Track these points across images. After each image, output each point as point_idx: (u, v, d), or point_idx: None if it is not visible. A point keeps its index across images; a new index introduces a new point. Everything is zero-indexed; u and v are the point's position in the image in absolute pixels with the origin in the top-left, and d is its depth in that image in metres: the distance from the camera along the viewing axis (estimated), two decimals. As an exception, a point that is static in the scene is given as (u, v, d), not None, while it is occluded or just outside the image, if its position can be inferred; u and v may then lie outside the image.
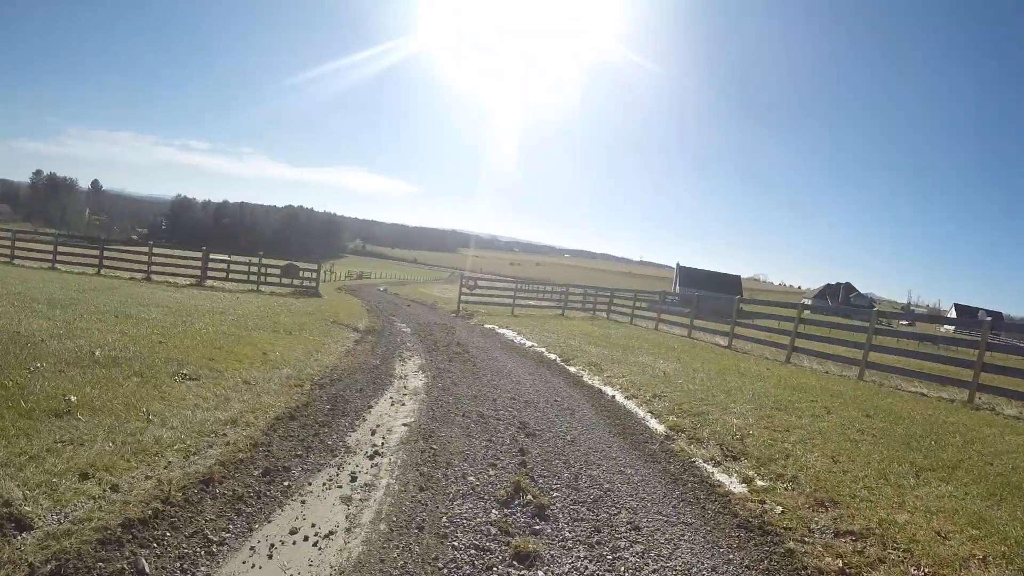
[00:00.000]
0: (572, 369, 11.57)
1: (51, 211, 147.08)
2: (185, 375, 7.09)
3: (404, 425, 6.47)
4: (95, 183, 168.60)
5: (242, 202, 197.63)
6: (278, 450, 5.28)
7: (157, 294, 15.91)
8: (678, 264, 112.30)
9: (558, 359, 12.72)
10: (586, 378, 10.72)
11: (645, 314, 25.24)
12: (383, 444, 5.76)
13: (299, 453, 5.30)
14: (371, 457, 5.36)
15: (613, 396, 9.29)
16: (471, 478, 5.09)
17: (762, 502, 5.16)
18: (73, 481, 4.17)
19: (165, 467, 4.60)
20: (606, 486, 5.31)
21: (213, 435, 5.36)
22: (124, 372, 6.81)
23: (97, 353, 7.42)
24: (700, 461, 6.26)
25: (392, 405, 7.39)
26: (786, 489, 5.45)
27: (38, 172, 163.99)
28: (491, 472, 5.26)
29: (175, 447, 4.95)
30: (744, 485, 5.62)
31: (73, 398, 5.66)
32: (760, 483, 5.63)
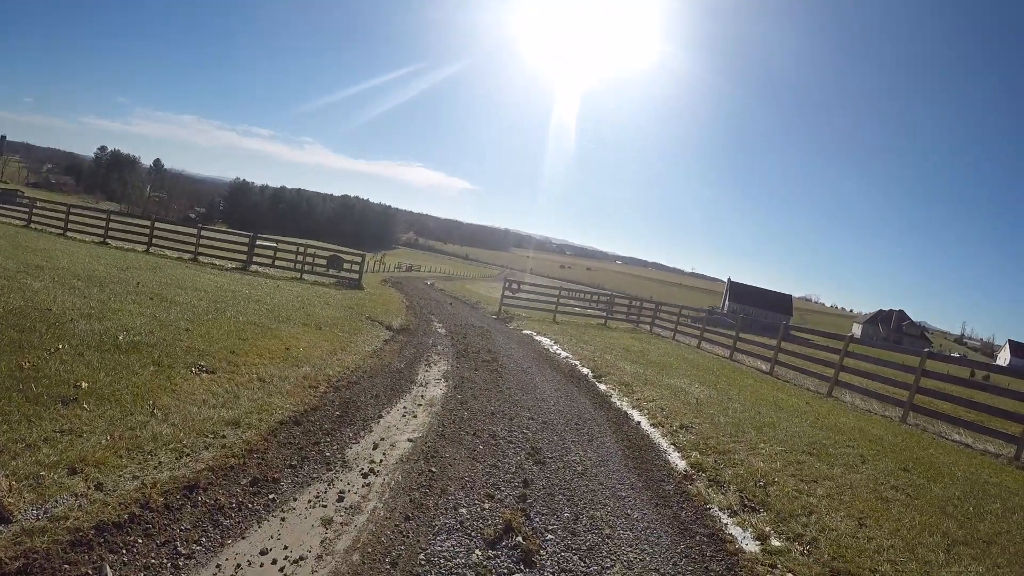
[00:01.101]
0: (602, 387, 11.26)
1: (113, 186, 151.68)
2: (202, 367, 7.05)
3: (409, 440, 6.29)
4: (157, 161, 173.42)
5: (299, 188, 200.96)
6: (273, 458, 5.16)
7: (199, 277, 16.03)
8: (729, 279, 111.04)
9: (590, 374, 12.44)
10: (614, 399, 10.38)
11: (688, 330, 24.69)
12: (381, 461, 5.58)
13: (293, 463, 5.16)
14: (365, 475, 5.18)
15: (639, 423, 8.94)
16: (463, 510, 4.87)
17: (772, 566, 4.82)
18: (61, 475, 4.13)
19: (155, 467, 4.52)
20: (606, 531, 5.03)
21: (211, 435, 5.27)
22: (143, 359, 6.81)
23: (121, 337, 7.44)
24: (716, 509, 5.86)
25: (403, 416, 7.22)
26: (802, 554, 5.07)
27: (103, 148, 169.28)
28: (486, 505, 5.03)
29: (170, 446, 4.87)
30: (758, 543, 5.25)
31: (84, 384, 5.65)
32: (775, 543, 5.25)
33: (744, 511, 5.83)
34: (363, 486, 4.99)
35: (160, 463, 4.60)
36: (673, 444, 7.90)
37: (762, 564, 4.82)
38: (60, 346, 6.65)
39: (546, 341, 17.18)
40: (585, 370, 12.89)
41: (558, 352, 15.22)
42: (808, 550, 5.10)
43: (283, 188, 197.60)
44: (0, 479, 3.87)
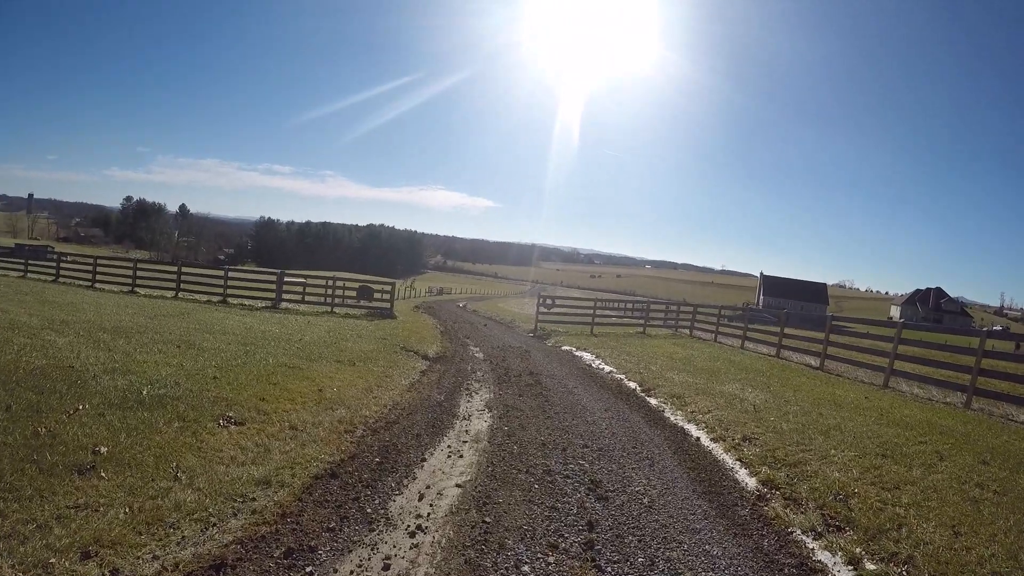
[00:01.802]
0: (653, 402, 10.69)
1: (141, 234, 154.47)
2: (230, 419, 6.62)
3: (458, 486, 5.71)
4: (183, 207, 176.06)
5: (324, 222, 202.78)
6: (308, 521, 4.62)
7: (228, 320, 15.70)
8: (761, 273, 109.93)
9: (638, 388, 11.88)
10: (668, 413, 9.83)
11: (729, 331, 23.91)
12: (429, 515, 5.00)
13: (332, 526, 4.61)
14: (412, 534, 4.60)
15: (698, 439, 8.40)
16: (526, 567, 4.30)
17: None
18: (73, 560, 3.71)
19: (177, 543, 4.05)
20: (688, 575, 4.47)
21: (240, 499, 4.78)
22: (167, 415, 6.41)
23: (145, 392, 7.07)
24: (798, 532, 5.34)
25: (449, 457, 6.64)
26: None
27: (128, 198, 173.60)
28: (551, 559, 4.45)
29: (195, 515, 4.40)
30: (851, 570, 4.70)
31: (104, 449, 5.26)
32: (870, 566, 4.70)
33: (829, 531, 5.31)
34: (411, 547, 4.42)
35: (183, 538, 4.12)
36: (739, 459, 7.37)
37: (861, 595, 4.24)
38: (80, 407, 6.30)
39: (587, 356, 16.63)
40: (632, 384, 12.34)
41: (601, 367, 14.65)
42: (907, 571, 4.60)
43: (308, 223, 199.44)
44: (5, 570, 3.44)
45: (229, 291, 23.11)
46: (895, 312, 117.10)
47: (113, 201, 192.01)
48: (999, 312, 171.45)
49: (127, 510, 4.29)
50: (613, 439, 7.96)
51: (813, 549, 5.04)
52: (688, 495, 6.15)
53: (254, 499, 4.82)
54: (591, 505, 5.60)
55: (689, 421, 9.29)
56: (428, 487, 5.65)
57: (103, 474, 4.80)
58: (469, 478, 5.98)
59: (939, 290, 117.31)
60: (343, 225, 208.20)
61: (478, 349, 16.55)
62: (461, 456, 6.71)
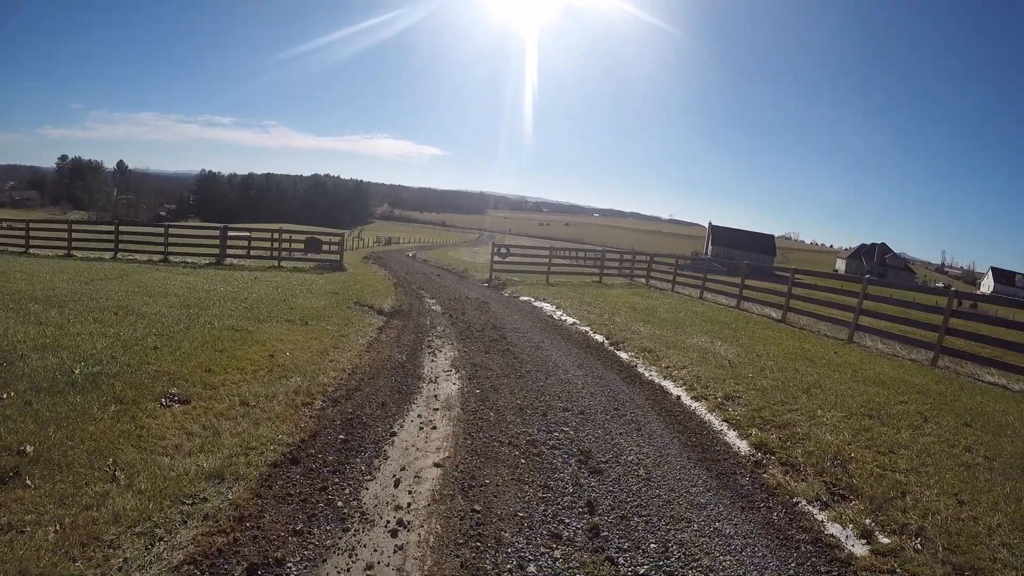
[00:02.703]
0: (623, 356, 10.24)
1: (78, 194, 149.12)
2: (173, 396, 5.92)
3: (436, 466, 5.12)
4: (120, 163, 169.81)
5: (268, 173, 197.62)
6: (271, 524, 3.97)
7: (170, 279, 14.82)
8: (710, 223, 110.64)
9: (605, 342, 11.41)
10: (641, 369, 9.39)
11: (686, 280, 23.62)
12: (410, 505, 4.40)
13: (299, 527, 3.97)
14: (394, 533, 3.98)
15: (678, 397, 7.99)
16: (531, 568, 3.75)
17: (892, 573, 4.03)
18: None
19: (119, 569, 3.40)
20: (706, 562, 4.02)
21: (190, 501, 4.12)
22: (102, 397, 5.68)
23: (77, 371, 6.31)
24: (804, 503, 5.03)
25: (421, 429, 6.04)
26: (915, 550, 4.28)
27: (63, 157, 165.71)
28: (556, 553, 3.92)
29: (137, 528, 3.74)
30: (865, 543, 4.42)
31: (30, 448, 4.55)
32: (883, 539, 4.45)
33: (834, 501, 5.04)
34: (395, 550, 3.80)
35: (125, 560, 3.46)
36: (725, 420, 7.01)
37: (880, 572, 4.07)
38: (4, 395, 5.54)
39: (547, 307, 16.13)
40: (599, 337, 11.88)
41: (564, 319, 14.16)
42: (921, 544, 4.38)
43: (251, 175, 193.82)
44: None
45: (171, 249, 22.20)
46: (840, 265, 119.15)
47: (48, 161, 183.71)
48: (939, 269, 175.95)
49: (57, 528, 3.62)
50: (593, 400, 7.49)
51: (823, 522, 4.75)
52: (684, 463, 5.75)
53: (205, 499, 4.17)
54: (586, 480, 5.12)
55: (665, 378, 8.90)
56: (403, 468, 5.05)
57: (29, 481, 4.10)
58: (447, 455, 5.41)
59: (884, 245, 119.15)
60: (287, 176, 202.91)
61: (434, 301, 15.92)
62: (434, 427, 6.12)
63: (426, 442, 5.72)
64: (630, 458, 5.73)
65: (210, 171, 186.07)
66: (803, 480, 5.38)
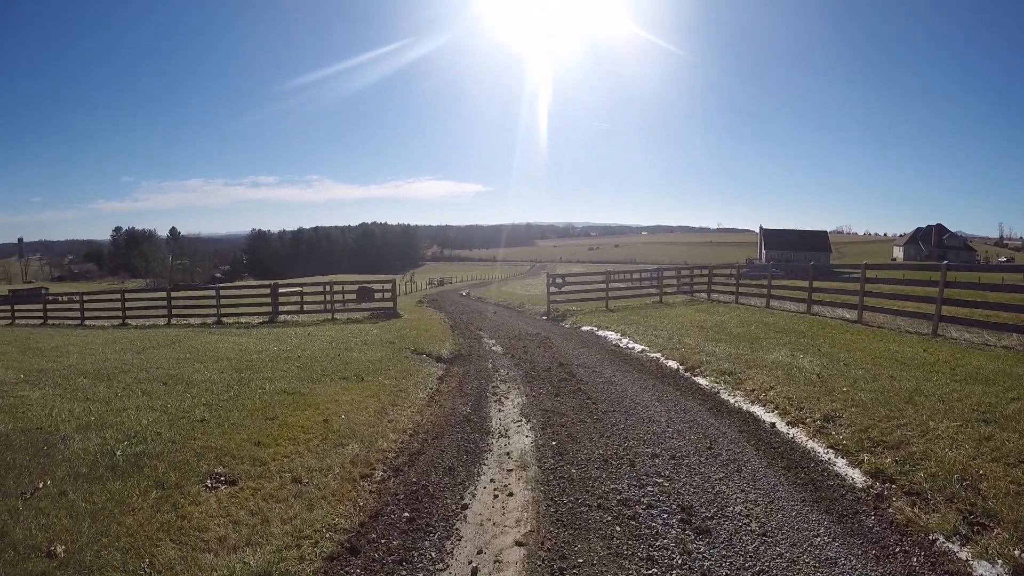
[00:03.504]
0: (703, 383, 9.43)
1: (135, 263, 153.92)
2: (219, 476, 5.36)
3: (518, 544, 4.37)
4: (173, 230, 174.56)
5: (316, 226, 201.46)
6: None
7: (222, 342, 14.50)
8: (761, 227, 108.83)
9: (680, 368, 10.61)
10: (726, 395, 8.60)
11: (748, 290, 22.59)
12: (492, 603, 3.71)
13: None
14: None
15: (773, 425, 7.18)
16: None
17: None
18: None
19: None
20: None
21: (232, 616, 3.49)
22: (143, 482, 5.18)
23: (119, 453, 5.87)
24: (942, 539, 4.33)
25: (495, 497, 5.31)
26: None
27: (117, 228, 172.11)
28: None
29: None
30: None
31: (60, 549, 4.07)
32: None
33: (974, 533, 4.35)
34: None
35: None
36: (831, 447, 6.21)
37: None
38: (41, 484, 5.11)
39: (611, 335, 15.33)
40: (672, 363, 11.07)
41: (631, 347, 13.36)
42: None
43: (300, 229, 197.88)
44: None
45: (223, 310, 22.15)
46: (898, 253, 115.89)
47: (103, 234, 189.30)
48: (999, 243, 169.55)
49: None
50: (681, 440, 6.69)
51: (967, 561, 4.10)
52: (798, 507, 4.97)
53: (250, 613, 3.54)
54: (694, 545, 4.34)
55: (753, 403, 8.10)
56: (480, 552, 4.32)
57: (53, 591, 3.55)
58: (529, 528, 4.65)
59: (940, 226, 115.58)
60: (335, 227, 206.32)
61: (494, 341, 15.26)
62: (511, 494, 5.38)
63: (503, 514, 4.98)
64: (738, 509, 4.96)
65: (260, 230, 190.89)
66: (934, 511, 4.68)
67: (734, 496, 5.21)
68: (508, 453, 6.48)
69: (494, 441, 6.92)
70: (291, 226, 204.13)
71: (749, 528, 4.63)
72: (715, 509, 4.97)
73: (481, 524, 4.79)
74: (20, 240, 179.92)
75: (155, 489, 5.07)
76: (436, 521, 4.85)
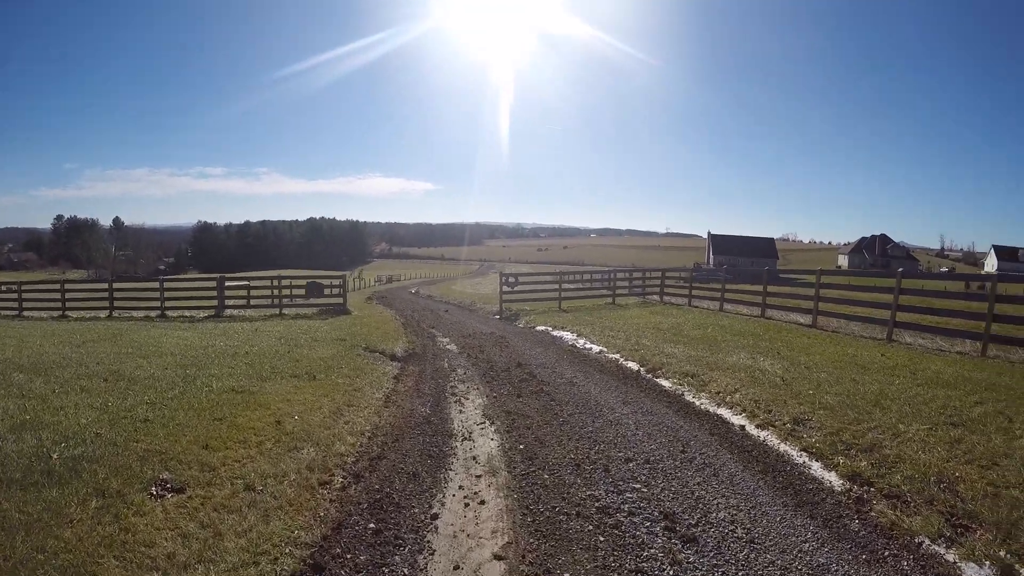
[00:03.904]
0: (666, 384, 9.29)
1: (76, 253, 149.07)
2: (165, 484, 4.95)
3: (497, 558, 4.04)
4: (116, 220, 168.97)
5: (263, 220, 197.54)
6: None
7: (166, 336, 13.85)
8: (709, 233, 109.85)
9: (641, 370, 10.44)
10: (691, 398, 8.47)
11: (702, 293, 22.65)
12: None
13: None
14: None
15: (743, 427, 7.10)
16: None
17: None
18: None
19: None
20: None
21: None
22: (82, 489, 4.75)
23: (55, 456, 5.39)
24: (927, 542, 4.35)
25: (467, 506, 5.00)
26: None
27: (59, 217, 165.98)
28: None
29: None
30: None
31: (-14, 572, 3.59)
32: None
33: (958, 534, 4.41)
34: None
35: None
36: (804, 450, 6.18)
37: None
38: None
39: (567, 336, 15.11)
40: (633, 365, 10.91)
41: (589, 347, 13.17)
42: None
43: (248, 223, 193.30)
44: None
45: (167, 303, 21.28)
46: (843, 261, 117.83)
47: (45, 223, 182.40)
48: (940, 254, 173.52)
49: None
50: (652, 443, 6.50)
51: (955, 563, 4.13)
52: (781, 512, 4.89)
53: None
54: (683, 555, 4.16)
55: (720, 405, 8.02)
56: (457, 567, 4.00)
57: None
58: (507, 539, 4.36)
59: (884, 236, 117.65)
60: (283, 222, 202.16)
61: (448, 340, 14.93)
62: (483, 502, 5.08)
63: (477, 524, 4.68)
64: (721, 515, 4.81)
65: (206, 222, 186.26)
66: (916, 513, 4.72)
67: (715, 501, 5.07)
68: (474, 457, 6.19)
69: (458, 444, 6.61)
70: (238, 219, 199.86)
71: (736, 535, 4.49)
72: (698, 516, 4.81)
73: (454, 536, 4.49)
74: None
75: (95, 497, 4.66)
76: (405, 533, 4.53)
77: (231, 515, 4.51)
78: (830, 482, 5.46)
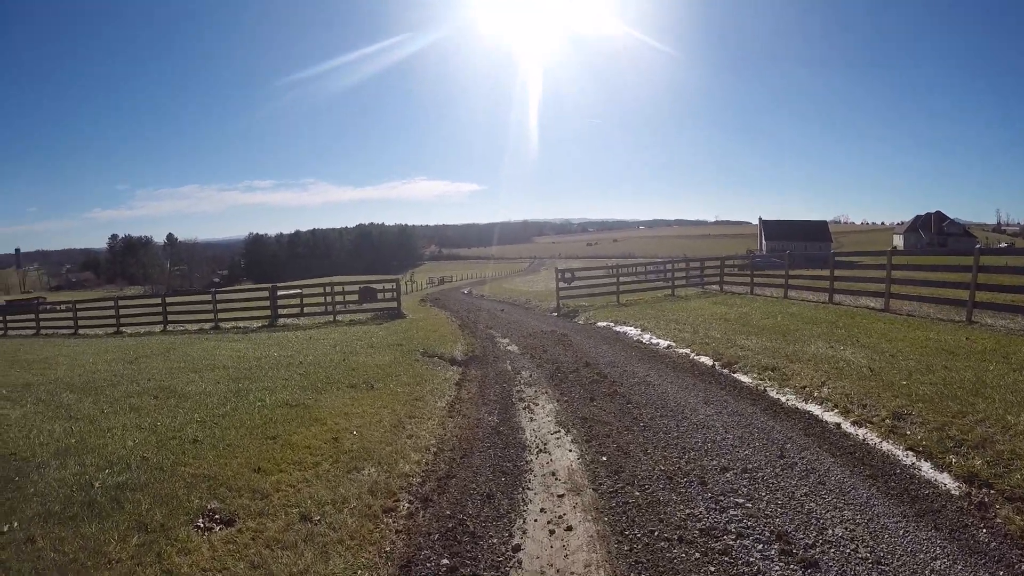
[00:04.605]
0: (745, 380, 8.58)
1: (132, 271, 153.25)
2: (213, 514, 4.47)
3: None
4: (170, 236, 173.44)
5: (313, 229, 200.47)
6: None
7: (219, 349, 13.60)
8: (760, 219, 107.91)
9: (716, 364, 9.73)
10: (775, 394, 7.77)
11: (764, 281, 21.68)
12: None
13: None
14: None
15: (838, 425, 6.45)
16: None
17: None
18: None
19: None
20: None
21: None
22: (124, 523, 4.33)
23: (97, 484, 5.00)
24: None
25: (552, 533, 4.35)
26: None
27: (114, 236, 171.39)
28: None
29: None
30: None
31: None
32: None
33: None
34: None
35: None
36: (910, 449, 5.59)
37: None
38: (6, 527, 4.27)
39: (632, 331, 14.40)
40: (706, 360, 10.20)
41: (656, 342, 12.45)
42: None
43: (298, 232, 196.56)
44: None
45: (220, 315, 21.28)
46: (898, 241, 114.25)
47: (100, 243, 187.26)
48: (997, 229, 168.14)
49: None
50: (746, 448, 5.82)
51: None
52: (901, 524, 4.34)
53: None
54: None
55: (808, 401, 7.36)
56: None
57: None
58: (604, 575, 3.75)
59: (939, 214, 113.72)
60: (333, 229, 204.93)
61: (508, 341, 14.29)
62: (569, 528, 4.43)
63: (567, 556, 4.03)
64: (838, 532, 4.20)
65: (257, 234, 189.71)
66: None
67: (828, 515, 4.44)
68: (553, 473, 5.55)
69: (533, 458, 5.99)
70: (288, 229, 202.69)
71: (860, 556, 3.90)
72: (814, 534, 4.18)
73: (542, 572, 3.84)
74: (17, 250, 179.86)
75: (137, 532, 4.21)
76: (484, 570, 3.90)
77: (285, 552, 3.98)
78: (945, 485, 4.90)
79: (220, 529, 4.29)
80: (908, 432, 5.86)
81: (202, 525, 4.33)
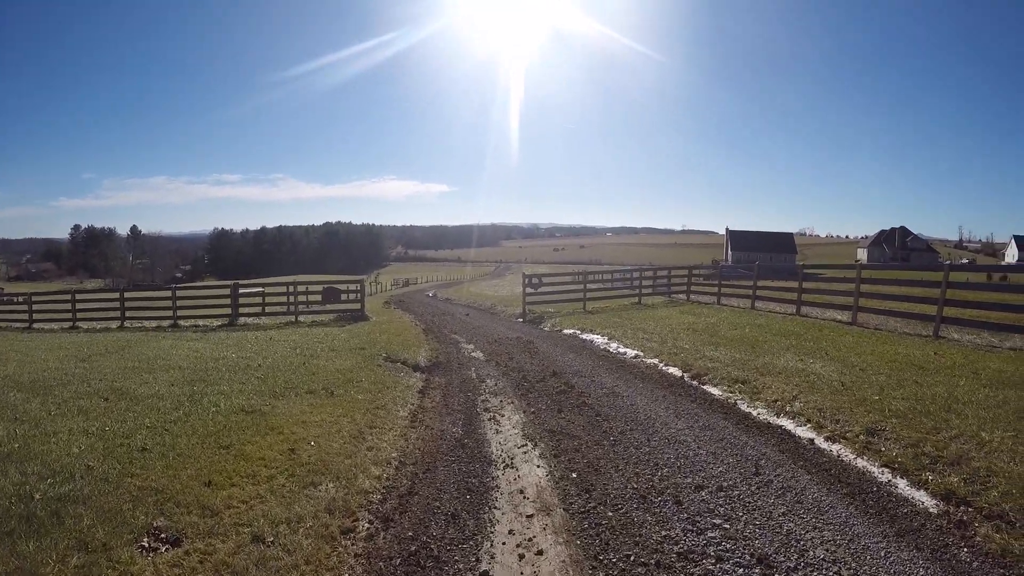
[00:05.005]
0: (716, 392, 8.48)
1: (94, 263, 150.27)
2: (159, 533, 4.19)
3: None
4: (134, 228, 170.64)
5: (280, 226, 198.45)
6: None
7: (176, 348, 13.17)
8: (727, 228, 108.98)
9: (685, 376, 9.64)
10: (746, 407, 7.70)
11: (732, 291, 21.69)
12: None
13: None
14: None
15: (811, 440, 6.41)
16: None
17: None
18: None
19: None
20: None
21: None
22: (63, 540, 4.03)
23: (38, 496, 4.67)
24: None
25: (522, 558, 4.11)
26: None
27: (76, 227, 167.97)
28: None
29: None
30: None
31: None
32: None
33: None
34: None
35: None
36: (886, 466, 5.56)
37: None
38: None
39: (598, 339, 14.26)
40: (674, 371, 10.12)
41: (623, 352, 12.32)
42: None
43: (264, 229, 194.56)
44: None
45: (180, 312, 20.72)
46: (862, 255, 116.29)
47: (64, 233, 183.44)
48: (958, 245, 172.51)
49: None
50: (720, 464, 5.69)
51: None
52: (882, 545, 4.27)
53: None
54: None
55: (780, 415, 7.31)
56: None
57: None
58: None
59: (903, 229, 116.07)
60: (299, 227, 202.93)
61: (473, 347, 14.04)
62: (540, 552, 4.19)
63: (539, 583, 3.83)
64: (819, 554, 4.09)
65: (222, 228, 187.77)
66: None
67: (808, 536, 4.33)
68: (522, 490, 5.31)
69: (500, 473, 5.75)
70: (254, 225, 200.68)
71: None
72: (795, 557, 4.05)
73: (514, 604, 3.62)
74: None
75: (77, 552, 3.92)
76: (450, 600, 3.66)
77: (235, 576, 3.70)
78: (923, 503, 4.87)
79: (166, 550, 4.01)
80: (883, 448, 5.85)
81: (147, 545, 4.05)
